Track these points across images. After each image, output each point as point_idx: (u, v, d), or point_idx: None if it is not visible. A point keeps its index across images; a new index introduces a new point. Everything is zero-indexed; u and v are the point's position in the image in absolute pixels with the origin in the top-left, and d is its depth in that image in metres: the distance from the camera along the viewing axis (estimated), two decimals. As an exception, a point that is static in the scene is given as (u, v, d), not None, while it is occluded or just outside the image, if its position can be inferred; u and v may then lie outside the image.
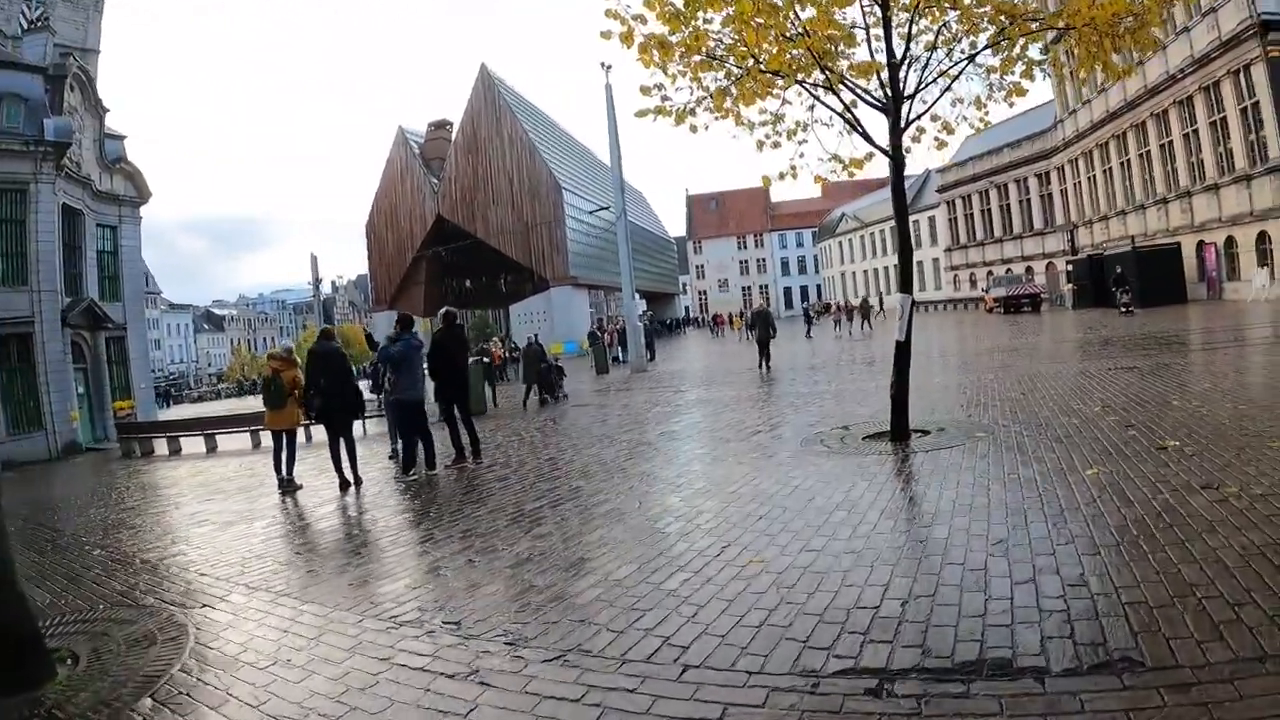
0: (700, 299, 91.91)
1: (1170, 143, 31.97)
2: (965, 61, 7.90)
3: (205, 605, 5.23)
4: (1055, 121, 42.54)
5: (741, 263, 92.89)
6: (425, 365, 10.03)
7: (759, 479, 7.08)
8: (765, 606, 3.98)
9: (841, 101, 7.97)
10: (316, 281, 54.35)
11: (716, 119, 7.97)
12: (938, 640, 3.42)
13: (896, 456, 7.42)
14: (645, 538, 5.56)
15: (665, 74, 7.68)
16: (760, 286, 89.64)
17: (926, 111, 8.06)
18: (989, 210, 50.21)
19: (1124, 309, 25.98)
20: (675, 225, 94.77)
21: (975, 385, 12.27)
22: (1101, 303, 31.42)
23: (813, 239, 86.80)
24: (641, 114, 8.40)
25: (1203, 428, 7.08)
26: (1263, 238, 26.96)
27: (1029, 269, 45.40)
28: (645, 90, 7.90)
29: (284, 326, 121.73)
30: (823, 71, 7.70)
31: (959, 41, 7.83)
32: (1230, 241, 28.91)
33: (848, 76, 7.88)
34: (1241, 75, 26.94)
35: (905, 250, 8.46)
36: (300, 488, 9.47)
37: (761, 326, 20.21)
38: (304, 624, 4.60)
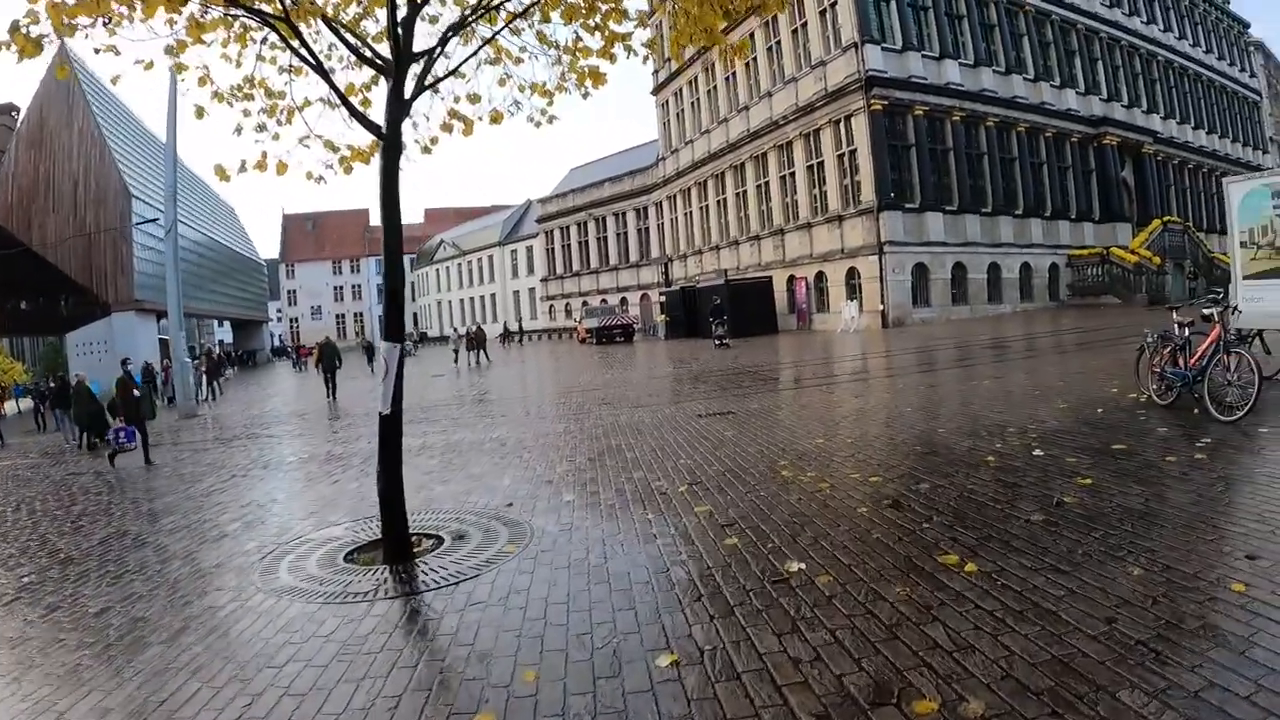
0: (292, 326, 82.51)
1: (767, 183, 34.50)
2: (511, 14, 5.65)
3: None
4: (657, 159, 44.36)
5: (336, 289, 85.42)
6: None
7: (120, 686, 3.42)
8: None
9: (314, 54, 5.12)
10: None
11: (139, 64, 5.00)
12: None
13: (372, 604, 4.33)
14: None
15: None
16: (355, 314, 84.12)
17: (448, 76, 5.68)
18: (587, 241, 51.15)
19: (719, 341, 25.89)
20: (271, 247, 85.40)
21: (535, 445, 9.60)
22: (694, 333, 32.34)
23: (411, 265, 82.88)
24: None
25: (834, 526, 4.92)
26: (852, 273, 29.74)
27: (624, 300, 46.10)
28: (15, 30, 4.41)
29: None
30: None
31: (530, 16, 5.72)
32: (821, 276, 31.59)
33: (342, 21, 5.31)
34: (843, 124, 29.62)
35: (394, 277, 5.49)
36: None
37: (328, 359, 20.88)
38: None
